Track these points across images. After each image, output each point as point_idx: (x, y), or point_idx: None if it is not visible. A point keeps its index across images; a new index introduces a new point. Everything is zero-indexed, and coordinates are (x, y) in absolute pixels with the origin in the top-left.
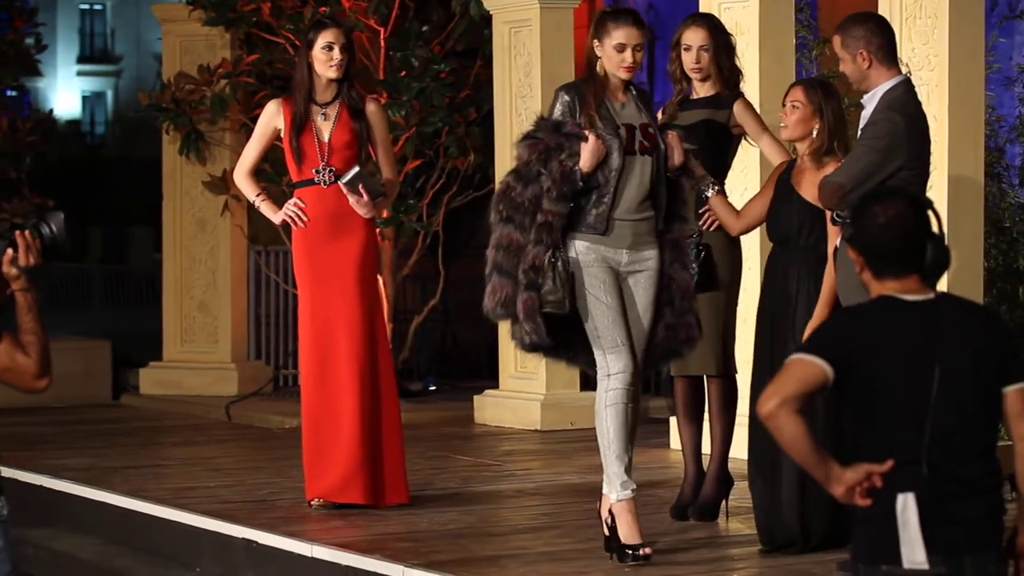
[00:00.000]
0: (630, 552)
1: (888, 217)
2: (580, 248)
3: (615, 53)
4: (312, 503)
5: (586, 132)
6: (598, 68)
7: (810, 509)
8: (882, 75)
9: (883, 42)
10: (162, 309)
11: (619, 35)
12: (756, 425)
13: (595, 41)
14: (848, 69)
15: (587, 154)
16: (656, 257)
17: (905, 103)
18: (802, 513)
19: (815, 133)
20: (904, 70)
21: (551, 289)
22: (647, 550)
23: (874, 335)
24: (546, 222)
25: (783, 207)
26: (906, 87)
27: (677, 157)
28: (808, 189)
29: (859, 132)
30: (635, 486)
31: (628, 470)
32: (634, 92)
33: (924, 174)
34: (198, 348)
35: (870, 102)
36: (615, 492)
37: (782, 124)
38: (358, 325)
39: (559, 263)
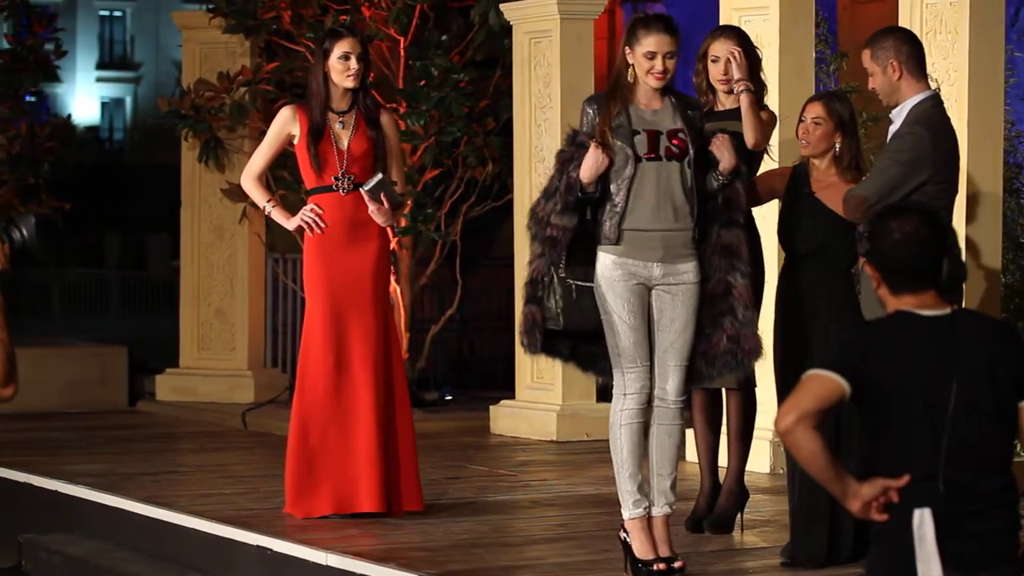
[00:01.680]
0: (643, 567)
1: (904, 233)
2: (606, 263)
3: (645, 60)
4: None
5: (590, 141)
6: (629, 75)
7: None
8: (911, 88)
9: (913, 53)
10: (179, 316)
11: (649, 43)
12: None
13: (627, 48)
14: (878, 82)
15: (585, 162)
16: (695, 270)
17: (931, 117)
18: (831, 527)
19: (838, 147)
20: (933, 85)
21: (548, 306)
22: (660, 566)
23: (891, 350)
24: (551, 236)
25: (808, 221)
26: (934, 102)
27: (727, 161)
28: (837, 202)
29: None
30: (648, 503)
31: (642, 488)
32: (672, 99)
33: (951, 189)
34: (215, 355)
35: (898, 116)
36: (627, 510)
37: (802, 141)
38: (372, 334)
39: (555, 280)
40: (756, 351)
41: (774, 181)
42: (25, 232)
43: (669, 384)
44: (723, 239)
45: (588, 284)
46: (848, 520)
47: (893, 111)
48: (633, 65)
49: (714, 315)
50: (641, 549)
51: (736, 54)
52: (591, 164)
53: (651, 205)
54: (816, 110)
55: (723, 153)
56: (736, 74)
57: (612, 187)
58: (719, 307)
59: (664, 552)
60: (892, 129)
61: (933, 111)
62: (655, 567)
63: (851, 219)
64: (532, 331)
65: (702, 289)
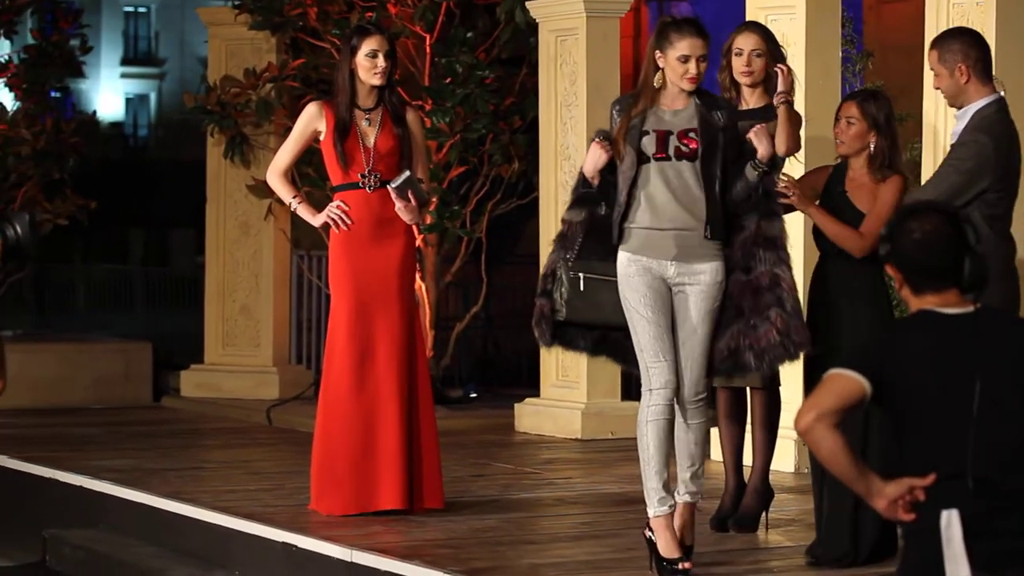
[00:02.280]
0: (668, 566)
1: (924, 232)
2: (622, 261)
3: (679, 64)
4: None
5: (595, 139)
6: (657, 79)
7: (862, 521)
8: (978, 91)
9: (981, 56)
10: (204, 312)
11: (682, 46)
12: None
13: (657, 52)
14: (944, 84)
15: (586, 158)
16: (712, 271)
17: (994, 124)
18: (854, 526)
19: (872, 147)
20: (999, 89)
21: (554, 298)
22: (686, 565)
23: (914, 349)
24: (561, 232)
25: (839, 220)
26: (999, 106)
27: (764, 148)
28: (867, 201)
29: (947, 150)
30: (673, 502)
31: (667, 486)
32: (698, 100)
33: (1010, 195)
34: (240, 351)
35: (962, 119)
36: (653, 507)
37: (838, 140)
38: (398, 331)
39: (561, 272)
40: (805, 343)
41: (816, 178)
42: (19, 229)
43: (685, 384)
44: (765, 231)
45: (599, 277)
46: (871, 520)
47: (957, 111)
48: (663, 69)
49: (761, 307)
50: (666, 547)
51: (783, 70)
52: (590, 159)
53: (661, 204)
54: (850, 110)
55: (761, 141)
56: (780, 86)
57: (619, 187)
58: (766, 299)
59: (688, 540)
60: (955, 130)
61: (996, 117)
62: (679, 566)
63: None
64: (540, 323)
65: (747, 280)
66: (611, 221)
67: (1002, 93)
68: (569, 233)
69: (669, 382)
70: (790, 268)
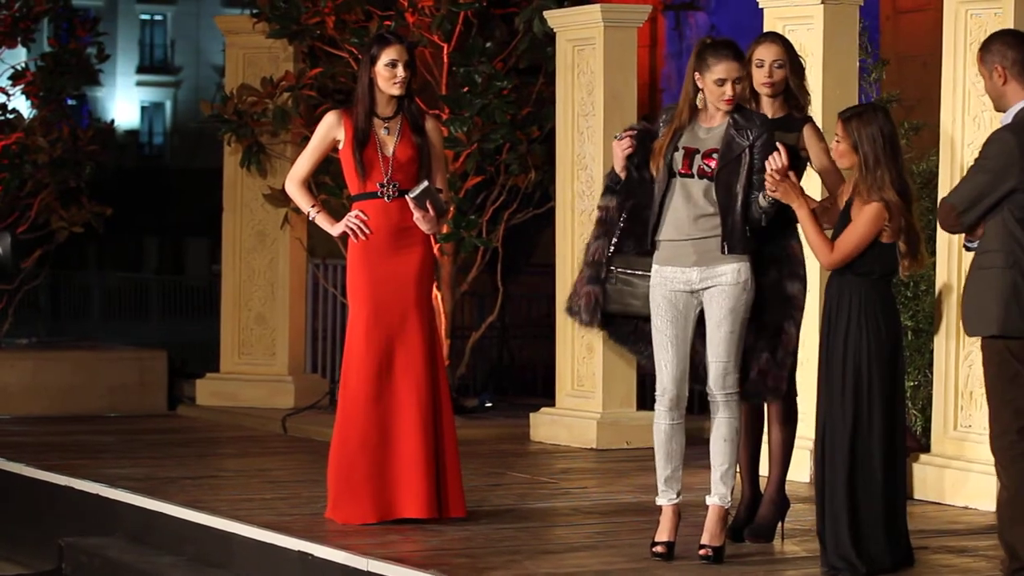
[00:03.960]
0: (650, 546)
1: None
2: (652, 270)
3: (716, 87)
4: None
5: (615, 137)
6: (698, 100)
7: (864, 533)
8: (1018, 93)
9: (1019, 57)
10: (219, 320)
11: (719, 70)
12: (819, 449)
13: (696, 73)
14: (987, 87)
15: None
16: (733, 271)
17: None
18: (855, 538)
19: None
20: None
21: (609, 290)
22: (656, 549)
23: None
24: (599, 217)
25: (840, 231)
26: None
27: (769, 185)
28: (855, 218)
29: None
30: (673, 496)
31: (669, 480)
32: (732, 118)
33: None
34: (255, 360)
35: (1004, 121)
36: (657, 496)
37: (834, 155)
38: (416, 340)
39: (614, 271)
40: (778, 391)
41: (845, 190)
42: (0, 250)
43: (710, 379)
44: (786, 289)
45: (628, 272)
46: (871, 525)
47: (1003, 116)
48: (703, 89)
49: (758, 348)
50: (657, 530)
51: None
52: (614, 153)
53: (683, 218)
54: (838, 127)
55: (773, 173)
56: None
57: (654, 197)
58: (763, 344)
59: (703, 539)
60: None
61: None
62: (652, 549)
63: (944, 228)
64: (592, 310)
65: (756, 319)
66: (646, 213)
67: None
68: (607, 218)
69: (667, 389)
70: (798, 327)
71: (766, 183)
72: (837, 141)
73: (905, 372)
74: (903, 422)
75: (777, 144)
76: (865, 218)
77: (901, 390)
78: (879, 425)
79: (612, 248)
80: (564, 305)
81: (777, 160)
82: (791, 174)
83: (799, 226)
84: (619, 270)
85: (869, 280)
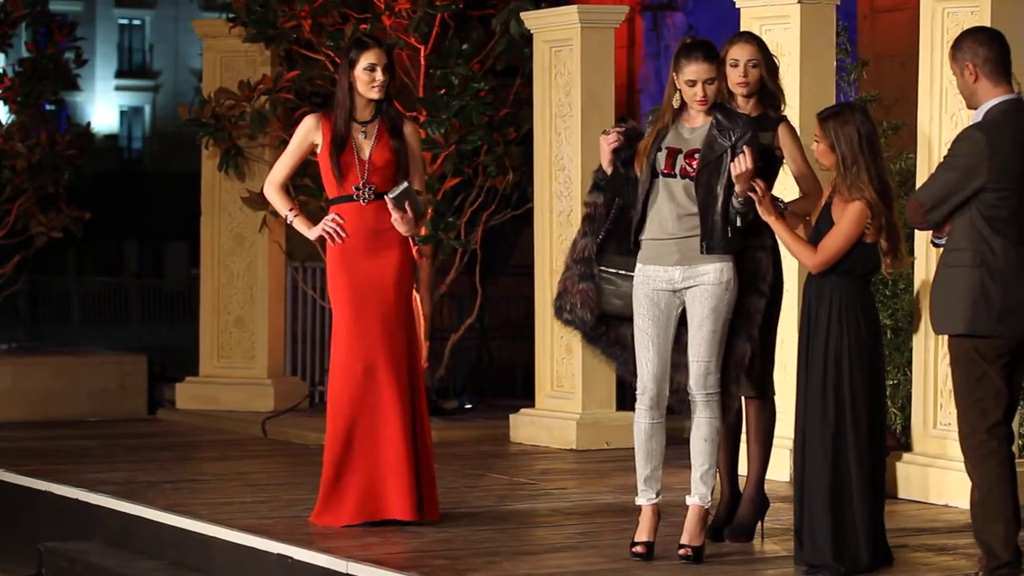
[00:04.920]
0: (630, 546)
1: None
2: (636, 269)
3: (688, 88)
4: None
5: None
6: (675, 100)
7: (843, 533)
8: (988, 92)
9: (990, 55)
10: (199, 324)
11: (690, 71)
12: (799, 449)
13: (674, 74)
14: (959, 85)
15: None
16: (715, 271)
17: (995, 122)
18: (834, 537)
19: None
20: (1016, 88)
21: (603, 289)
22: (636, 549)
23: None
24: (587, 214)
25: (820, 231)
26: (1008, 106)
27: (739, 189)
28: (837, 217)
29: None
30: (651, 497)
31: (648, 479)
32: (715, 118)
33: (1017, 197)
34: (235, 364)
35: (975, 120)
36: (637, 496)
37: (814, 155)
38: (397, 342)
39: (598, 270)
40: (729, 409)
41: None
42: None
43: (690, 379)
44: (745, 304)
45: (611, 271)
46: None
47: (974, 113)
48: (680, 90)
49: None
50: (636, 530)
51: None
52: (601, 147)
53: (665, 218)
54: (816, 127)
55: (739, 177)
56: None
57: (638, 197)
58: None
59: (683, 539)
60: None
61: (1001, 116)
62: (632, 549)
63: (912, 225)
64: (587, 305)
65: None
66: (631, 213)
67: (1017, 92)
68: (595, 214)
69: (647, 388)
70: (752, 341)
71: (735, 186)
72: (816, 141)
73: (885, 371)
74: (883, 421)
75: (744, 148)
76: (848, 218)
77: (881, 389)
78: (859, 424)
79: (597, 246)
80: (553, 309)
81: (742, 163)
82: (758, 182)
83: (773, 237)
84: (602, 269)
85: (850, 279)
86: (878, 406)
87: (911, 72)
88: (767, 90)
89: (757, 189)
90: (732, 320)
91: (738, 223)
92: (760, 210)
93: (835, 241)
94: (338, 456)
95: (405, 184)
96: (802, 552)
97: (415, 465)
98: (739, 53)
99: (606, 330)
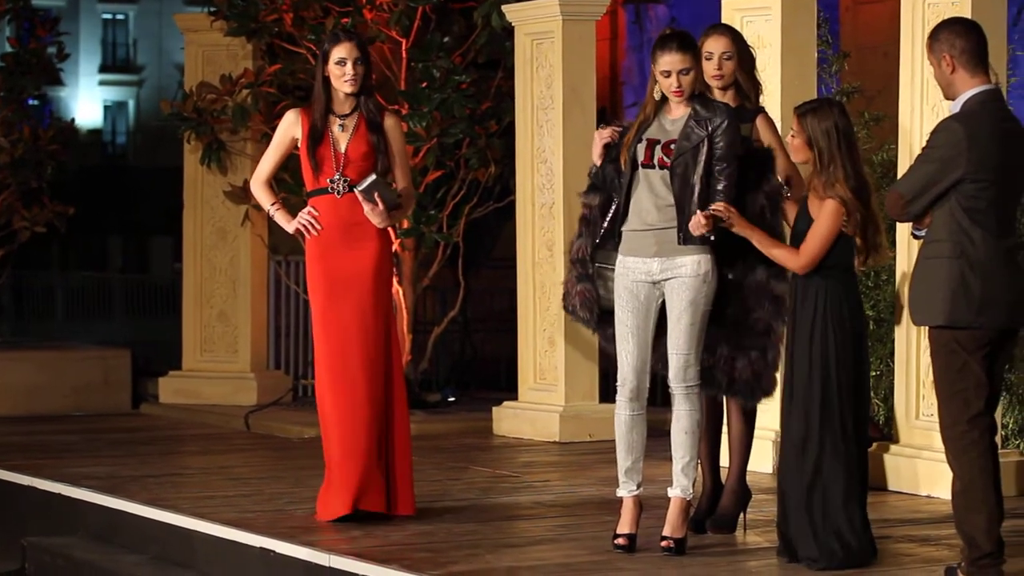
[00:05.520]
0: (613, 538)
1: None
2: (618, 261)
3: (663, 79)
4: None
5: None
6: (656, 91)
7: (826, 526)
8: (965, 83)
9: (967, 46)
10: (182, 318)
11: (664, 62)
12: (784, 442)
13: (653, 65)
14: (936, 76)
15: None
16: (693, 263)
17: (973, 113)
18: (816, 530)
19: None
20: (993, 79)
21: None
22: (618, 541)
23: None
24: (583, 215)
25: (799, 225)
26: (985, 97)
27: (694, 227)
28: (815, 214)
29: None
30: (632, 488)
31: (629, 471)
32: (693, 108)
33: (994, 188)
34: (218, 358)
35: (954, 111)
36: (618, 488)
37: (789, 149)
38: (372, 335)
39: (595, 267)
40: (769, 392)
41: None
42: None
43: (670, 372)
44: (773, 289)
45: (606, 266)
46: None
47: (952, 104)
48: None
49: (747, 346)
50: (619, 523)
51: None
52: (594, 140)
53: (645, 209)
54: (793, 122)
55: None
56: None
57: (620, 189)
58: (754, 342)
59: (665, 531)
60: None
61: (979, 107)
62: (614, 541)
63: (892, 217)
64: (592, 308)
65: (745, 320)
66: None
67: (994, 83)
68: (591, 216)
69: (627, 380)
70: (785, 325)
71: (716, 212)
72: (792, 136)
73: (869, 364)
74: (867, 414)
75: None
76: (825, 217)
77: (866, 382)
78: (843, 419)
79: (595, 245)
80: (561, 304)
81: (696, 227)
82: (717, 208)
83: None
84: (598, 264)
85: (835, 273)
86: (862, 400)
87: (893, 63)
88: (743, 81)
89: (722, 217)
90: (763, 309)
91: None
92: (736, 230)
93: (815, 242)
94: (327, 447)
95: (373, 176)
96: (786, 544)
97: (386, 458)
98: (713, 46)
99: (607, 326)
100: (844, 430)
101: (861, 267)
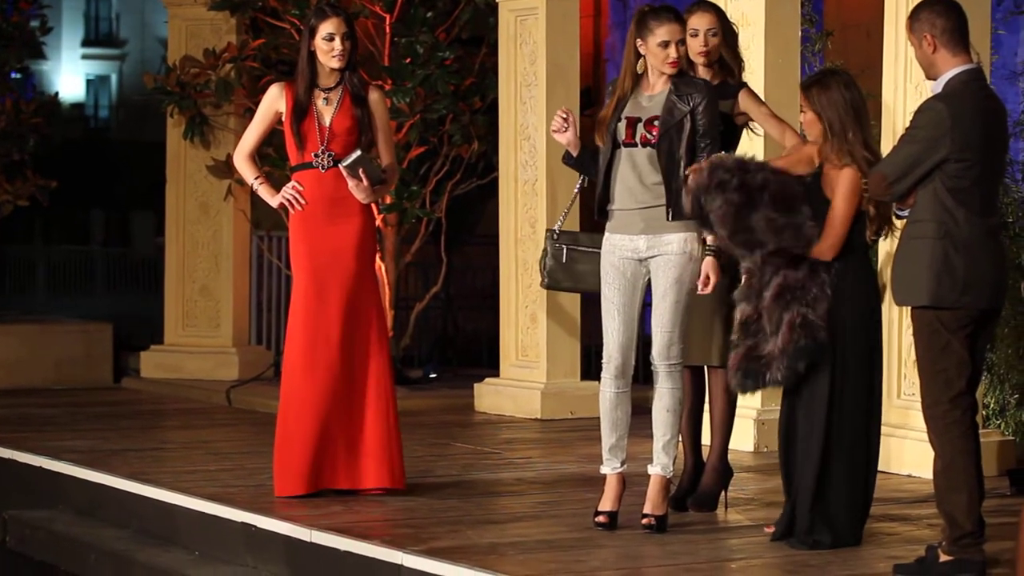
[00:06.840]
0: (594, 516)
1: None
2: (604, 239)
3: (660, 50)
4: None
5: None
6: (639, 66)
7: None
8: (947, 62)
9: (948, 26)
10: (164, 293)
11: (662, 32)
12: (786, 422)
13: (638, 40)
14: (917, 56)
15: None
16: (679, 241)
17: (956, 92)
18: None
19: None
20: (975, 58)
21: (540, 267)
22: (599, 519)
23: None
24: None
25: (816, 208)
26: (968, 76)
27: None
28: (831, 189)
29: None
30: (616, 465)
31: (613, 448)
32: (673, 84)
33: (978, 168)
34: (199, 332)
35: (935, 91)
36: (601, 465)
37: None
38: (358, 311)
39: (547, 245)
40: (776, 380)
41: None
42: None
43: (654, 349)
44: (788, 280)
45: (581, 248)
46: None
47: (933, 84)
48: (644, 56)
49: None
50: (601, 499)
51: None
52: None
53: (630, 187)
54: (801, 98)
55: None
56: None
57: (600, 169)
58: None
59: (646, 508)
60: None
61: (962, 86)
62: (595, 518)
63: (875, 197)
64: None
65: (776, 308)
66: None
67: (975, 62)
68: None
69: (612, 357)
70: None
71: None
72: (803, 111)
73: (882, 343)
74: (879, 395)
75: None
76: (843, 191)
77: (879, 361)
78: (856, 398)
79: (562, 223)
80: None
81: (704, 285)
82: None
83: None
84: (569, 247)
85: (846, 251)
86: (875, 379)
87: (876, 42)
88: (727, 58)
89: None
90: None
91: None
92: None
93: (837, 220)
94: (292, 424)
95: (359, 152)
96: (786, 523)
97: (371, 433)
98: (698, 22)
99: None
100: (855, 411)
101: (872, 237)
